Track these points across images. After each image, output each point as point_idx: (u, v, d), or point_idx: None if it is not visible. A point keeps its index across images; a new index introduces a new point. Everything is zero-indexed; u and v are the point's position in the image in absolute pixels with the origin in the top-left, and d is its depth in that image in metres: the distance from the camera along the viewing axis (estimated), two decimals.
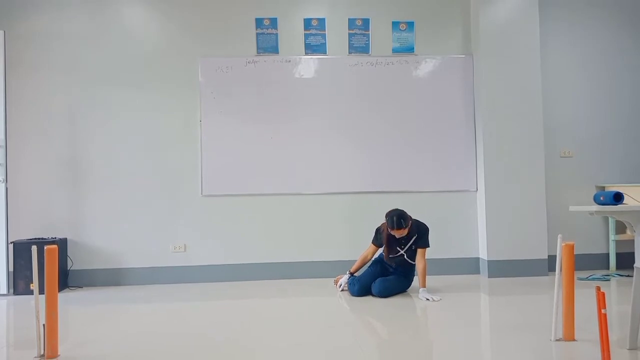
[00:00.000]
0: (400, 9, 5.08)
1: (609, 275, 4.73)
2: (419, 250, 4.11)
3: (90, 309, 3.91)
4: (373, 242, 4.25)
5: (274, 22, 4.99)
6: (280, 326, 3.27)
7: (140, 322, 3.45)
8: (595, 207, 2.58)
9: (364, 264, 4.29)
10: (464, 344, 2.80)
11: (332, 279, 4.67)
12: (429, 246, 4.14)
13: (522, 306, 3.67)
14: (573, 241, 2.89)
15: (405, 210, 4.10)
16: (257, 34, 4.99)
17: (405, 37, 5.07)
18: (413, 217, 4.11)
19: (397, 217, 3.97)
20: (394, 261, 4.17)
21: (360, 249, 4.53)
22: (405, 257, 4.15)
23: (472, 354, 2.64)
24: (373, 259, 4.32)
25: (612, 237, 4.99)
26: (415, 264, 4.17)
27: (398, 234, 4.02)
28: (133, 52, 4.91)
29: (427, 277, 4.15)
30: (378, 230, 4.24)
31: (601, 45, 5.21)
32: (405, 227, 3.99)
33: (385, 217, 4.06)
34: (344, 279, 4.30)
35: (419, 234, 4.11)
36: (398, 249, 4.13)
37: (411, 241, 4.12)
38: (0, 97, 4.59)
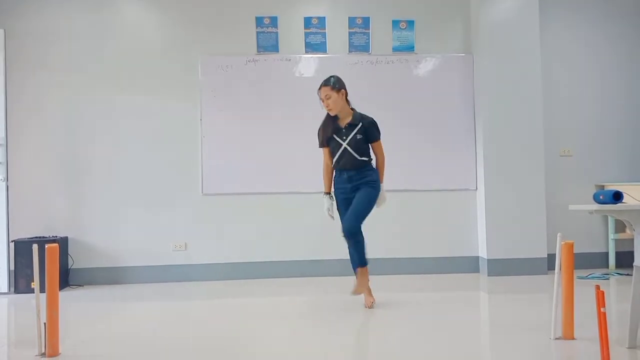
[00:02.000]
0: (401, 7, 5.08)
1: (608, 274, 4.74)
2: (372, 145, 3.64)
3: (91, 307, 3.92)
4: (320, 145, 3.74)
5: (274, 20, 4.99)
6: (281, 325, 3.27)
7: (141, 321, 3.46)
8: (595, 206, 2.58)
9: (330, 175, 3.74)
10: (463, 343, 2.80)
11: (332, 277, 4.69)
12: (379, 138, 3.65)
13: (521, 305, 3.68)
14: (572, 240, 2.88)
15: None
16: (258, 33, 4.99)
17: (406, 35, 5.07)
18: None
19: (330, 76, 3.62)
20: (343, 164, 3.61)
21: None
22: (350, 151, 3.57)
23: (471, 353, 2.65)
24: (338, 199, 3.75)
25: (611, 235, 5.00)
26: (367, 162, 3.62)
27: (323, 94, 3.56)
28: (133, 51, 4.91)
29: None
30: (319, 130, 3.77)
31: (601, 43, 5.21)
32: (331, 86, 3.54)
33: None
34: (326, 204, 3.74)
35: (364, 123, 3.59)
36: (338, 140, 3.60)
37: (354, 131, 3.58)
38: (1, 95, 4.59)
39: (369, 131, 3.61)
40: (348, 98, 3.68)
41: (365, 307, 3.62)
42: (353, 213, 3.58)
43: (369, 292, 3.69)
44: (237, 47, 4.96)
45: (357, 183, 3.61)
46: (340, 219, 3.73)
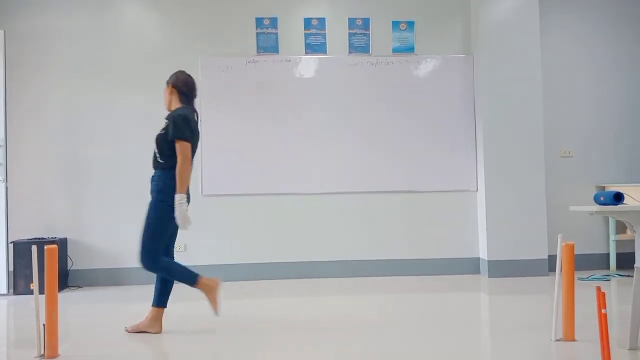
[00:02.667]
0: (401, 8, 5.07)
1: (609, 275, 4.73)
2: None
3: (90, 308, 3.91)
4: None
5: (274, 21, 4.99)
6: (280, 326, 3.27)
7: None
8: (596, 207, 2.58)
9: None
10: (464, 344, 2.79)
11: (331, 278, 4.68)
12: (179, 137, 3.04)
13: (522, 306, 3.67)
14: (573, 241, 2.88)
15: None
16: (257, 34, 4.99)
17: (406, 36, 5.07)
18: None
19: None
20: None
21: (360, 248, 4.54)
22: (155, 150, 3.17)
23: (472, 354, 2.64)
24: None
25: (612, 237, 4.99)
26: (162, 164, 3.14)
27: None
28: (133, 52, 4.91)
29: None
30: None
31: (601, 45, 5.21)
32: (167, 82, 3.25)
33: None
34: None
35: (170, 118, 3.14)
36: None
37: (164, 125, 3.15)
38: (1, 96, 4.58)
39: (169, 126, 3.08)
40: (183, 94, 3.25)
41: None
42: (139, 244, 3.13)
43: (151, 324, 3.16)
44: (237, 48, 4.96)
45: (150, 190, 3.21)
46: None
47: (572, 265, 2.76)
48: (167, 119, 3.17)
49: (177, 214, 3.05)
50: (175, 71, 3.32)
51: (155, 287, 3.19)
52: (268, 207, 4.94)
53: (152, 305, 3.18)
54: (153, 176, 3.20)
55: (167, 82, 3.28)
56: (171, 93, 3.25)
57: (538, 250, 4.79)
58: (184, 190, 3.08)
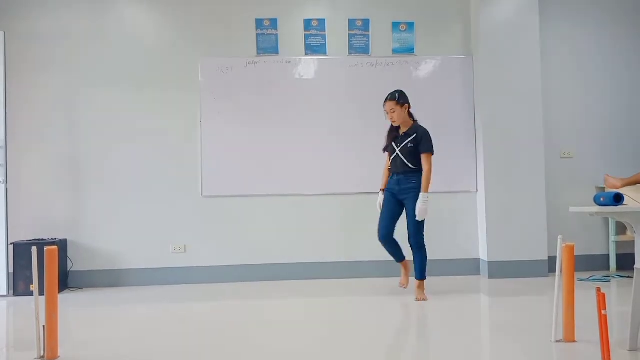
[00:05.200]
0: (400, 9, 5.08)
1: (609, 276, 4.73)
2: (421, 156, 3.95)
3: (90, 310, 3.91)
4: (384, 149, 4.15)
5: (274, 22, 4.99)
6: (281, 328, 3.27)
7: (140, 324, 3.45)
8: (596, 208, 2.57)
9: (387, 176, 4.17)
10: (464, 345, 2.79)
11: (331, 280, 4.68)
12: (431, 152, 3.95)
13: (522, 307, 3.67)
14: (573, 242, 2.88)
15: None
16: (257, 35, 4.99)
17: (405, 37, 5.07)
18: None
19: (394, 91, 4.00)
20: (395, 168, 4.04)
21: (361, 250, 4.54)
22: (402, 157, 3.96)
23: (472, 355, 2.64)
24: (384, 196, 4.13)
25: (612, 238, 4.99)
26: (415, 170, 3.97)
27: (388, 108, 3.97)
28: (133, 52, 4.91)
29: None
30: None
31: (601, 45, 5.21)
32: (396, 101, 3.95)
33: None
34: (379, 199, 4.17)
35: (417, 134, 3.96)
36: (394, 146, 4.02)
37: (409, 139, 3.96)
38: (1, 97, 4.59)
39: (421, 144, 3.95)
40: (411, 111, 4.03)
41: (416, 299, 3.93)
42: (410, 227, 4.01)
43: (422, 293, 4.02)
44: (237, 49, 4.96)
45: (404, 187, 3.99)
46: (380, 216, 4.09)
47: (572, 267, 2.76)
48: (412, 133, 3.95)
49: (419, 208, 3.89)
50: (399, 90, 4.00)
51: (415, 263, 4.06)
52: (268, 209, 4.93)
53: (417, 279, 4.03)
54: (407, 177, 3.98)
55: (399, 101, 3.94)
56: (406, 110, 3.99)
57: (538, 252, 4.79)
58: (427, 190, 3.92)
